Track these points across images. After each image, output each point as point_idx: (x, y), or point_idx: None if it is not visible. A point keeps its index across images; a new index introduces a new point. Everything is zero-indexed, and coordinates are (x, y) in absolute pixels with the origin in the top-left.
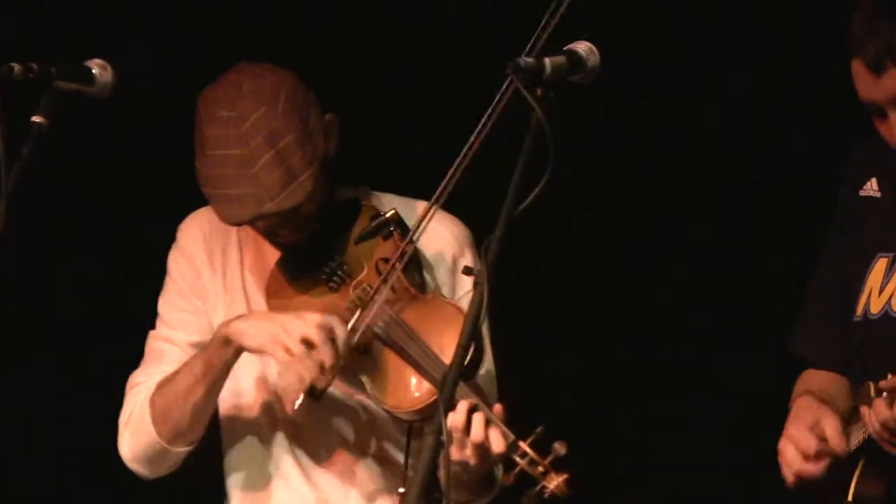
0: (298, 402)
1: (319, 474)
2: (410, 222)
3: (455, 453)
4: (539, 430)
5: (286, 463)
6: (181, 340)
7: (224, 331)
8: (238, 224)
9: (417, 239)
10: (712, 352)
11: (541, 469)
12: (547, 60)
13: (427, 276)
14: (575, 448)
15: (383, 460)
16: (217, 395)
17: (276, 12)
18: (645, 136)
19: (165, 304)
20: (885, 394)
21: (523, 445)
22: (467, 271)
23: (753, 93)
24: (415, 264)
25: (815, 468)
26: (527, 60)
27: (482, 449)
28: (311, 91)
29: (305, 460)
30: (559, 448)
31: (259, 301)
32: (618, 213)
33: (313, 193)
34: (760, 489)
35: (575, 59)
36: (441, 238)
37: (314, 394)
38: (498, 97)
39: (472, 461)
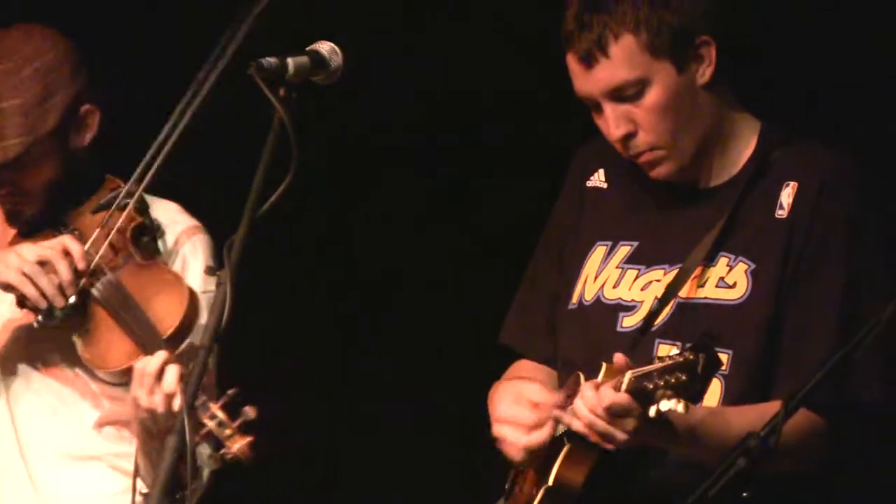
0: (37, 321)
1: (35, 451)
2: (159, 218)
3: (143, 399)
4: (231, 392)
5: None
6: None
7: None
8: None
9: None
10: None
11: (228, 431)
12: (290, 60)
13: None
14: None
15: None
16: None
17: None
18: None
19: None
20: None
21: (213, 407)
22: (210, 271)
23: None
24: (147, 235)
25: (540, 436)
26: (269, 60)
27: (170, 400)
28: (82, 76)
29: (24, 440)
30: (249, 412)
31: None
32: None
33: (16, 163)
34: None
35: (318, 60)
36: (176, 233)
37: (52, 314)
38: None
39: (160, 409)
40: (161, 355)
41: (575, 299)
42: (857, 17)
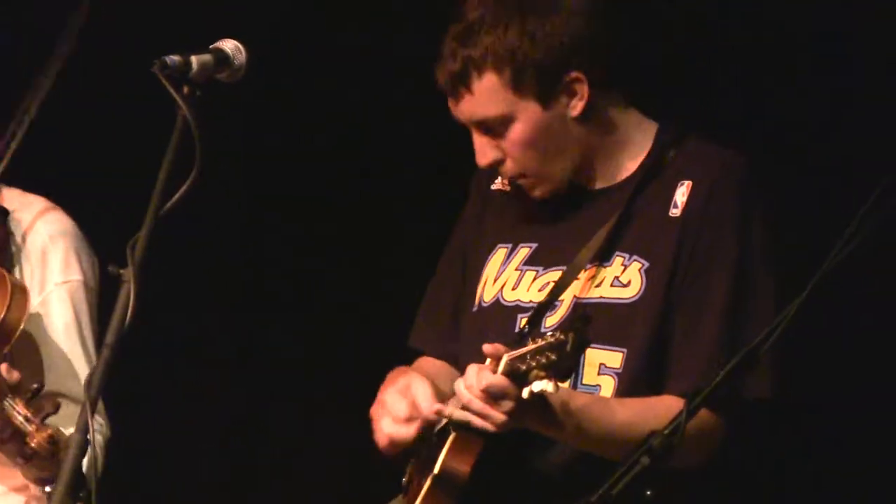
0: None
1: None
2: (23, 215)
3: None
4: (33, 387)
5: None
6: None
7: None
8: None
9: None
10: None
11: (33, 426)
12: (193, 58)
13: (17, 265)
14: None
15: None
16: None
17: None
18: None
19: None
20: (489, 360)
21: (17, 403)
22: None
23: None
24: None
25: (406, 432)
26: (173, 58)
27: None
28: None
29: None
30: (47, 406)
31: None
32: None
33: None
34: None
35: (221, 57)
36: (37, 233)
37: None
38: None
39: None
40: None
41: (476, 301)
42: (758, 19)
